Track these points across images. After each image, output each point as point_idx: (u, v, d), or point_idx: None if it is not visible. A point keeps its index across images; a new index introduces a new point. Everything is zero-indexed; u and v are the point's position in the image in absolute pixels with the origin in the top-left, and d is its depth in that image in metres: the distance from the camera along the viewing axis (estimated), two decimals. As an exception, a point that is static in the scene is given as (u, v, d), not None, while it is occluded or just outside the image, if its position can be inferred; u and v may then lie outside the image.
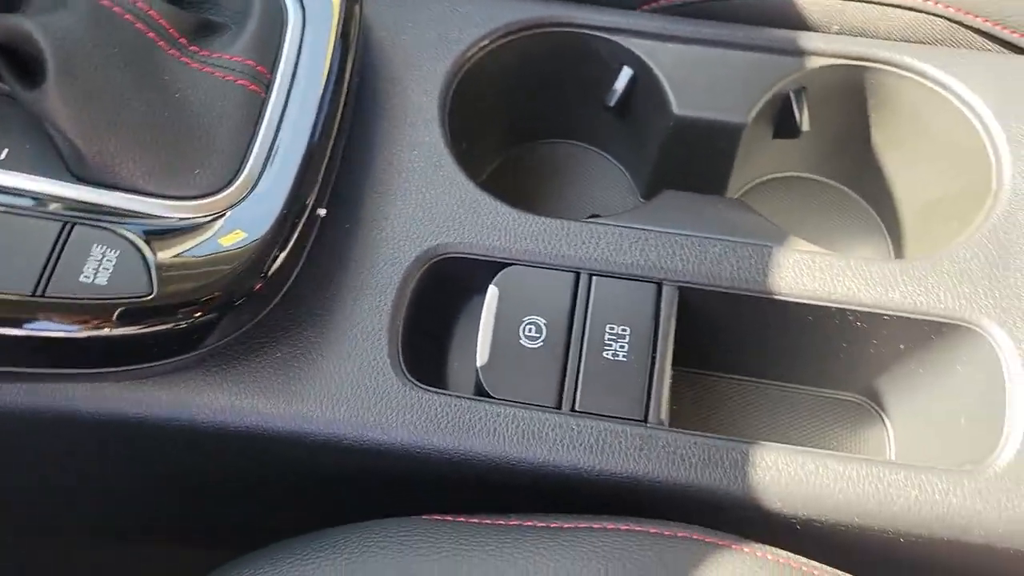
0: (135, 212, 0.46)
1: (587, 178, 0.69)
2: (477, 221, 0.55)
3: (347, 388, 0.51)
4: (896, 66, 0.60)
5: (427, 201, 0.55)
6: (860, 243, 0.67)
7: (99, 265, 0.44)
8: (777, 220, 0.67)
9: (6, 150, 0.47)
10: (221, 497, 0.58)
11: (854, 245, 0.67)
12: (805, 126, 0.62)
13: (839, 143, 0.65)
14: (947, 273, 0.53)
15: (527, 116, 0.67)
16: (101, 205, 0.46)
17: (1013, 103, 0.58)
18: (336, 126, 0.52)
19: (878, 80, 0.61)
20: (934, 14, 0.63)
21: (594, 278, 0.53)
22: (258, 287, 0.48)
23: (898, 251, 0.66)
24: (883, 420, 0.60)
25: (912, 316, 0.53)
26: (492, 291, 0.53)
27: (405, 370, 0.52)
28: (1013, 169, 0.56)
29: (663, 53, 0.61)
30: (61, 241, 0.45)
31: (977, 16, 0.63)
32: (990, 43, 0.64)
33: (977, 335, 0.52)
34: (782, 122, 0.63)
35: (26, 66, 0.46)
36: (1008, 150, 0.56)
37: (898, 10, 0.63)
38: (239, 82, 0.50)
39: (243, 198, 0.48)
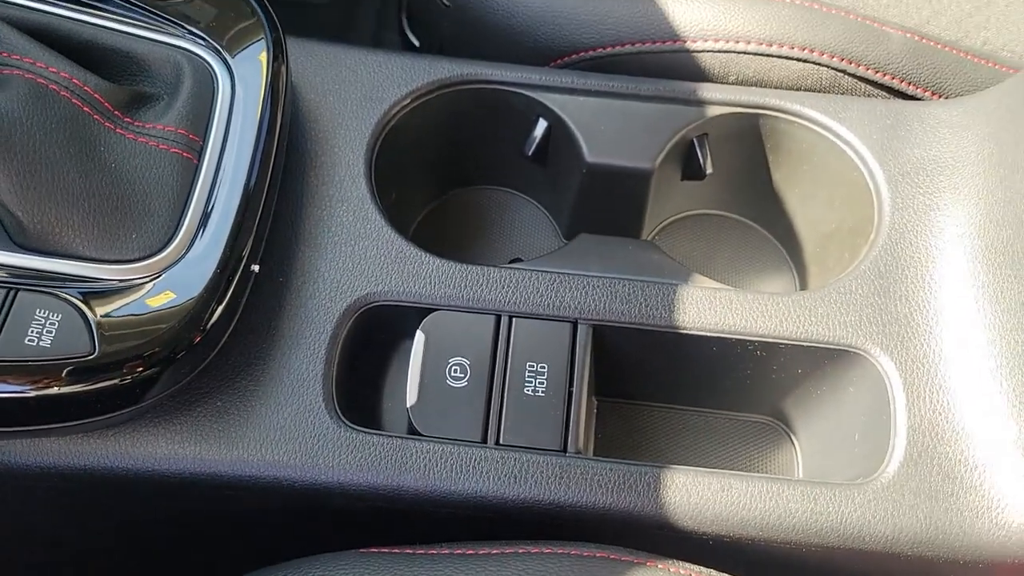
0: (75, 276, 0.49)
1: (512, 222, 0.73)
2: (404, 271, 0.58)
3: (285, 432, 0.54)
4: (787, 112, 0.65)
5: (356, 253, 0.59)
6: (768, 274, 0.72)
7: (43, 328, 0.47)
8: (692, 255, 0.72)
9: (-50, 222, 0.49)
10: (165, 542, 0.61)
11: (762, 276, 0.72)
12: (709, 169, 0.67)
13: (742, 182, 0.71)
14: (835, 303, 0.58)
15: (452, 165, 0.71)
16: (43, 271, 0.49)
17: (891, 144, 0.63)
18: (267, 184, 0.56)
19: (772, 125, 0.66)
20: (820, 64, 0.68)
21: (514, 320, 0.57)
22: (197, 340, 0.51)
23: (802, 281, 0.71)
24: (791, 439, 0.65)
25: (805, 344, 0.58)
26: (419, 336, 0.57)
27: (340, 413, 0.55)
28: (892, 205, 0.61)
29: (574, 105, 0.66)
30: (6, 307, 0.47)
31: (859, 65, 0.68)
32: (872, 88, 0.69)
33: (864, 359, 0.57)
34: (688, 165, 0.68)
35: (-32, 143, 0.49)
36: (887, 187, 0.62)
37: (788, 61, 0.68)
38: (172, 150, 0.53)
39: (179, 258, 0.52)
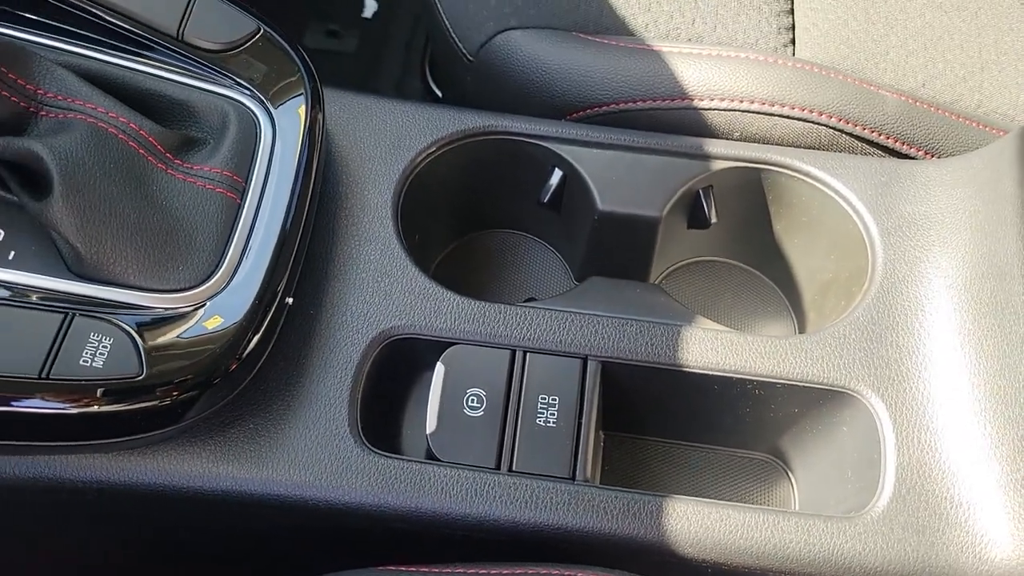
0: (127, 304, 0.53)
1: (526, 263, 0.77)
2: (426, 306, 0.63)
3: (312, 455, 0.58)
4: (788, 168, 0.70)
5: (382, 289, 0.63)
6: (768, 318, 0.76)
7: (96, 350, 0.51)
8: (696, 298, 0.76)
9: (13, 252, 0.54)
10: (191, 554, 0.64)
11: (763, 320, 0.76)
12: (713, 219, 0.71)
13: (745, 231, 0.75)
14: (831, 347, 0.62)
15: (472, 210, 0.76)
16: (97, 298, 0.53)
17: (885, 199, 0.67)
18: (303, 224, 0.60)
19: (774, 179, 0.71)
20: (820, 123, 0.73)
21: (528, 355, 0.61)
22: (233, 367, 0.55)
23: (801, 325, 0.75)
24: (788, 475, 0.68)
25: (801, 384, 0.61)
26: (439, 367, 0.61)
27: (363, 438, 0.59)
28: (884, 258, 0.65)
29: (588, 157, 0.70)
30: (63, 330, 0.51)
31: (856, 125, 0.73)
32: (868, 147, 0.74)
33: (856, 400, 0.61)
34: (694, 215, 0.72)
35: (34, 181, 0.54)
36: (880, 240, 0.66)
37: (789, 120, 0.73)
38: (217, 190, 0.58)
39: (220, 290, 0.56)
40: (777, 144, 0.73)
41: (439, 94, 1.04)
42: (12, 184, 0.54)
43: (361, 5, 1.36)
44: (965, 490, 0.57)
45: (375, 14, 1.35)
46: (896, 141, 0.73)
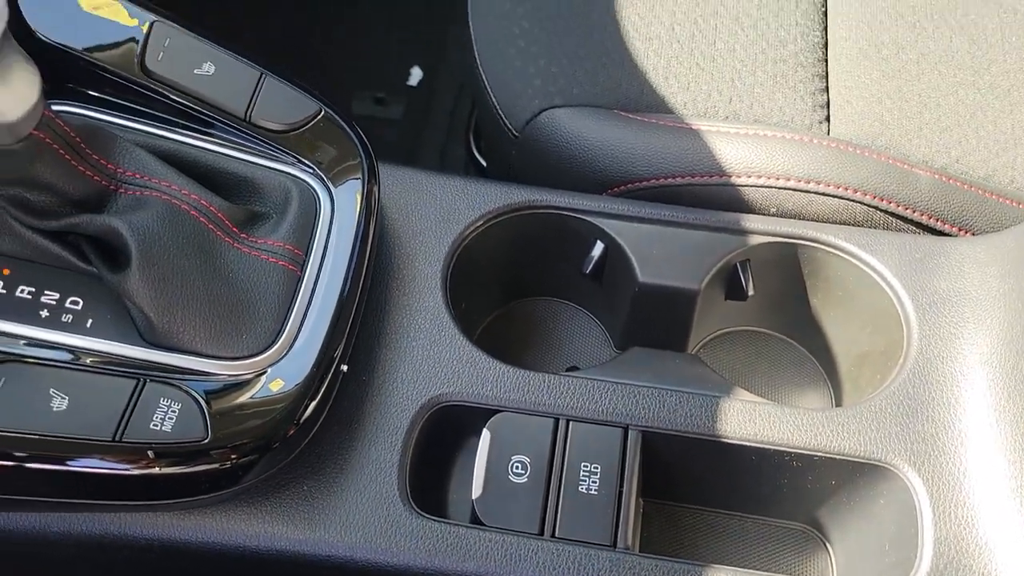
0: (195, 371, 0.57)
1: (568, 331, 0.80)
2: (473, 375, 0.65)
3: (363, 517, 0.60)
4: (824, 244, 0.72)
5: (431, 357, 0.66)
6: (805, 389, 0.77)
7: (165, 415, 0.55)
8: (734, 368, 0.78)
9: (91, 320, 0.57)
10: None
11: (800, 391, 0.77)
12: (751, 291, 0.73)
13: (782, 303, 0.77)
14: (868, 421, 0.64)
15: (517, 279, 0.79)
16: (167, 365, 0.56)
17: (920, 276, 0.69)
18: (358, 295, 0.63)
19: (810, 254, 0.73)
20: (854, 200, 0.75)
21: (571, 423, 0.63)
22: (291, 432, 0.58)
23: (837, 397, 0.76)
24: (826, 546, 0.69)
25: (839, 458, 0.63)
26: (485, 434, 0.63)
27: (412, 501, 0.61)
28: (919, 333, 0.67)
29: (629, 230, 0.73)
30: (135, 395, 0.55)
31: (890, 202, 0.75)
32: (903, 224, 0.76)
33: (893, 474, 0.62)
34: (731, 287, 0.74)
35: (113, 254, 0.57)
36: (915, 317, 0.67)
37: (825, 197, 0.75)
38: (279, 263, 0.61)
39: (281, 357, 0.59)
40: (813, 220, 0.75)
41: (483, 163, 1.08)
42: (92, 257, 0.58)
43: (407, 74, 1.41)
44: (1002, 566, 0.58)
45: (420, 82, 1.41)
46: (930, 218, 0.75)
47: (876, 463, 0.62)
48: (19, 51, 0.50)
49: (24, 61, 0.51)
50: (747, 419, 0.64)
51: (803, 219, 0.75)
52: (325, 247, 0.63)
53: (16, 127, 0.51)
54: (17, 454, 0.53)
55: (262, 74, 0.67)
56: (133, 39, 0.65)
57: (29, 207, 0.56)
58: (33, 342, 0.55)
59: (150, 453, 0.54)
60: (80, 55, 0.64)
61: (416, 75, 1.42)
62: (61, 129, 0.55)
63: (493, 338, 0.78)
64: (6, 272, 0.57)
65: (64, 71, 0.64)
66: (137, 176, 0.60)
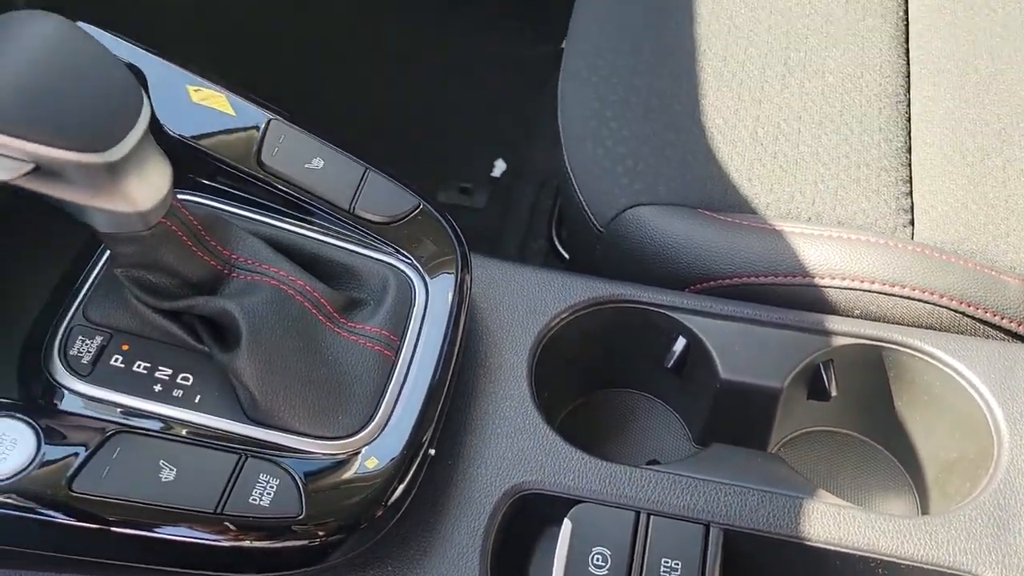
0: (293, 448, 0.59)
1: (648, 424, 0.81)
2: (556, 464, 0.66)
3: (444, 601, 0.61)
4: (909, 348, 0.72)
5: (515, 445, 0.67)
6: (889, 495, 0.76)
7: (264, 490, 0.57)
8: (816, 469, 0.77)
9: (199, 395, 0.61)
10: None
11: (884, 496, 0.76)
12: (834, 392, 0.73)
13: (866, 405, 0.76)
14: (955, 530, 0.62)
15: (598, 370, 0.80)
16: (268, 442, 0.59)
17: (1009, 384, 0.68)
18: (448, 381, 0.66)
19: (895, 357, 0.73)
20: (940, 305, 0.75)
21: (652, 517, 0.64)
22: (379, 513, 0.60)
23: (923, 503, 0.75)
24: (911, 658, 0.67)
25: (927, 567, 0.62)
26: (566, 524, 0.64)
27: (493, 587, 0.62)
28: (1010, 443, 0.66)
29: (711, 327, 0.74)
30: (237, 470, 0.57)
31: (978, 308, 0.75)
32: (991, 330, 0.75)
33: (983, 586, 0.61)
34: (814, 387, 0.74)
35: (223, 334, 0.61)
36: (1005, 426, 0.67)
37: (910, 301, 0.75)
38: (375, 348, 0.64)
39: (373, 439, 0.61)
40: (898, 323, 0.75)
41: (565, 255, 1.11)
42: (204, 336, 0.61)
43: (491, 165, 1.47)
44: None
45: (503, 174, 1.46)
46: (1020, 325, 0.75)
47: (965, 574, 0.61)
48: (154, 144, 0.55)
49: (158, 154, 0.56)
50: (832, 522, 0.63)
51: (888, 322, 0.75)
52: (419, 334, 0.66)
53: (148, 216, 0.56)
54: (124, 519, 0.56)
55: (366, 169, 0.72)
56: (249, 134, 0.70)
57: (150, 287, 0.61)
58: (147, 414, 0.59)
59: (248, 526, 0.56)
60: (204, 149, 0.69)
61: (500, 167, 1.47)
62: (185, 217, 0.60)
63: (574, 427, 0.79)
64: (125, 347, 0.62)
65: (187, 162, 0.69)
66: (249, 262, 0.64)
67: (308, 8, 1.46)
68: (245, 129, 0.71)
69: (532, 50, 1.49)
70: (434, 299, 0.68)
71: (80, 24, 0.54)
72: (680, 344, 0.75)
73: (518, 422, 0.69)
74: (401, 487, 0.61)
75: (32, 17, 0.52)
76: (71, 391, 0.59)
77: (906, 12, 0.97)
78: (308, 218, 0.70)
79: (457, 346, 0.67)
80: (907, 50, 0.93)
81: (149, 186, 0.55)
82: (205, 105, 0.71)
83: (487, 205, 1.43)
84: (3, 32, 0.51)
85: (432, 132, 1.48)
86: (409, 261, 0.69)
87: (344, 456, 0.60)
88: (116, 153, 0.51)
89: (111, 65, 0.53)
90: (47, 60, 0.50)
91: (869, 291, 0.76)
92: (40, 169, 0.50)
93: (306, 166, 0.71)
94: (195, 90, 0.71)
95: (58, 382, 0.59)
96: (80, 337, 0.61)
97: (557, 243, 1.14)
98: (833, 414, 0.77)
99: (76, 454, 0.56)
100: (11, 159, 0.49)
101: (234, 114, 0.71)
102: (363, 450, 0.60)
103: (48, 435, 0.56)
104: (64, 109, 0.50)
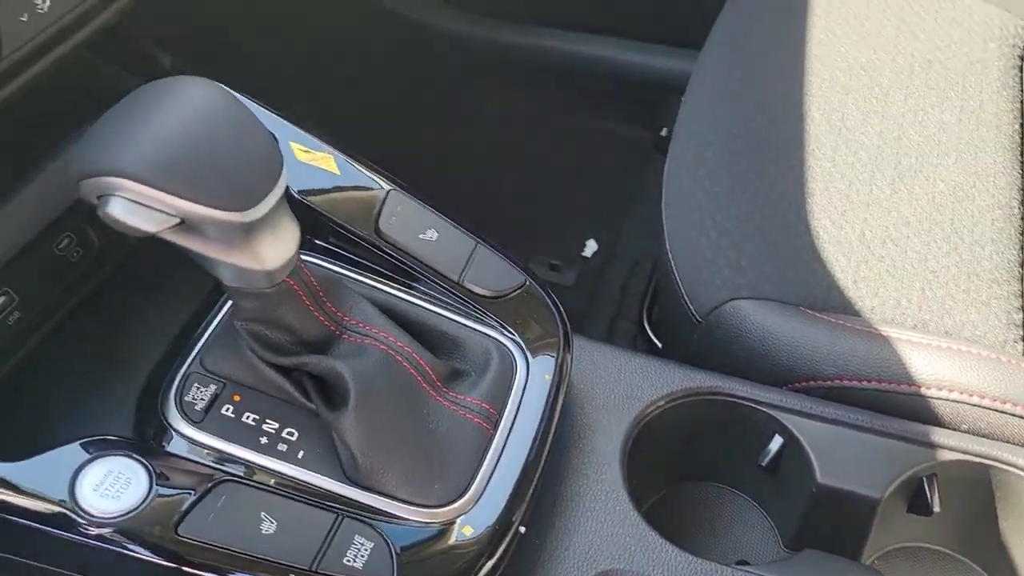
0: (389, 513, 0.60)
1: (736, 521, 0.79)
2: (645, 555, 0.65)
3: None
4: (1019, 468, 0.69)
5: (604, 530, 0.67)
6: (989, 621, 0.73)
7: (358, 552, 0.58)
8: (910, 586, 0.74)
9: (302, 451, 0.62)
10: None
11: (983, 622, 0.73)
12: (936, 508, 0.71)
13: (968, 523, 0.73)
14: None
15: (690, 461, 0.79)
16: (367, 505, 0.60)
17: None
18: (542, 459, 0.66)
19: (1003, 477, 0.70)
20: (1054, 426, 0.73)
21: (742, 620, 0.62)
22: (468, 588, 0.60)
23: (1026, 634, 0.71)
24: None
25: None
26: (654, 618, 0.63)
27: (575, 674, 0.61)
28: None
29: (810, 428, 0.73)
30: (334, 529, 0.58)
31: (1094, 432, 0.72)
32: (1107, 456, 0.72)
33: None
34: (915, 500, 0.72)
35: (330, 394, 0.63)
36: (1121, 560, 0.63)
37: (1021, 420, 0.73)
38: (474, 420, 0.65)
39: (465, 512, 0.62)
40: (1008, 441, 0.73)
41: (657, 343, 1.11)
42: (313, 393, 0.63)
43: (583, 245, 1.48)
44: None
45: (594, 254, 1.47)
46: None
47: None
48: (287, 207, 0.58)
49: (290, 217, 0.58)
50: (932, 646, 0.61)
51: (996, 439, 0.73)
52: (517, 410, 0.67)
53: (274, 275, 0.58)
54: (223, 567, 0.57)
55: (476, 243, 0.74)
56: (362, 198, 0.73)
57: (267, 342, 0.63)
58: (252, 466, 0.60)
59: (339, 587, 0.56)
60: (326, 213, 0.72)
61: (591, 247, 1.48)
62: (307, 278, 0.62)
63: (661, 516, 0.77)
64: (236, 398, 0.64)
65: (308, 224, 0.72)
66: (360, 325, 0.66)
67: (410, 72, 1.52)
68: (356, 191, 0.74)
69: (631, 132, 1.52)
70: (534, 376, 0.69)
71: (226, 89, 0.57)
72: (777, 443, 0.74)
73: (609, 507, 0.68)
74: (491, 562, 0.61)
75: (190, 83, 0.56)
76: (183, 436, 0.61)
77: (1022, 125, 0.96)
78: (418, 286, 0.72)
79: (554, 425, 0.67)
80: (1022, 162, 0.92)
81: (279, 247, 0.57)
82: (313, 165, 0.74)
83: (575, 283, 1.44)
84: (164, 95, 0.55)
85: (526, 206, 1.51)
86: (512, 337, 0.70)
87: (437, 526, 0.60)
88: (254, 214, 0.54)
89: (256, 130, 0.56)
90: (201, 124, 0.54)
91: (978, 406, 0.74)
92: (184, 223, 0.53)
93: (420, 236, 0.73)
94: (302, 150, 0.74)
95: (171, 426, 0.61)
96: (196, 384, 0.63)
97: (648, 328, 1.14)
98: (933, 531, 0.75)
99: (184, 499, 0.57)
100: (161, 212, 0.53)
101: (339, 174, 0.74)
102: (455, 522, 0.61)
103: (159, 477, 0.58)
104: (213, 170, 0.53)
